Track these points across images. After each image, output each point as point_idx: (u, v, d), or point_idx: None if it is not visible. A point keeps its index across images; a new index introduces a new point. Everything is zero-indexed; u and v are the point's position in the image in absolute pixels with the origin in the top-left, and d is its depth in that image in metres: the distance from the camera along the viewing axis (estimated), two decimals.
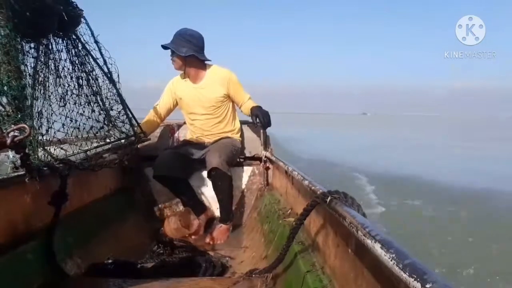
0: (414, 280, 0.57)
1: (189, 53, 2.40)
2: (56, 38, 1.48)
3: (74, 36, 1.55)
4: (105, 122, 1.80)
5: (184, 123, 2.76)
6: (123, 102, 1.89)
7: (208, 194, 2.66)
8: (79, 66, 1.61)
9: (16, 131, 1.06)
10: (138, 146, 2.10)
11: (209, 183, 2.65)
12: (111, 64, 1.76)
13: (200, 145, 2.56)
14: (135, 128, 2.04)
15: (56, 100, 1.51)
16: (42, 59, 1.41)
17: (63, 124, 1.54)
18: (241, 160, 2.79)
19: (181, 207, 2.67)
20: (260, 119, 2.37)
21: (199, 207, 2.55)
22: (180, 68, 2.49)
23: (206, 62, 2.52)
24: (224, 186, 2.39)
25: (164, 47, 2.43)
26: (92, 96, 1.70)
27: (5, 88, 1.08)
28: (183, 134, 2.82)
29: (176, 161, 2.44)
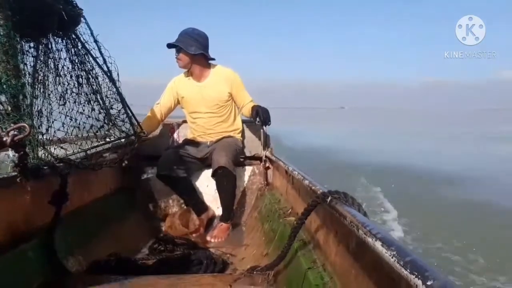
0: (415, 277, 0.58)
1: (198, 51, 2.41)
2: (55, 37, 1.48)
3: (73, 36, 1.54)
4: (105, 121, 1.80)
5: (184, 121, 2.76)
6: (123, 100, 1.89)
7: (209, 192, 2.66)
8: (78, 65, 1.60)
9: (16, 130, 1.06)
10: (138, 145, 2.10)
11: (210, 182, 2.66)
12: (111, 63, 1.76)
13: (202, 144, 2.57)
14: (135, 127, 2.04)
15: (56, 99, 1.51)
16: (42, 58, 1.41)
17: (63, 123, 1.54)
18: (242, 159, 2.79)
19: (180, 206, 2.67)
20: (260, 116, 2.37)
21: (200, 206, 2.56)
22: (186, 66, 2.49)
23: (210, 61, 2.53)
24: (229, 185, 2.41)
25: (172, 45, 2.43)
26: (92, 94, 1.70)
27: (4, 86, 1.08)
28: (183, 133, 2.82)
29: (178, 161, 2.45)
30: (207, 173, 2.66)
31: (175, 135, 2.84)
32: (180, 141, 2.78)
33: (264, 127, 2.63)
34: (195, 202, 2.55)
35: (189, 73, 2.55)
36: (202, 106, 2.53)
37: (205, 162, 2.59)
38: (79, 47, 1.59)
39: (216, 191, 2.65)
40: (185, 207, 2.62)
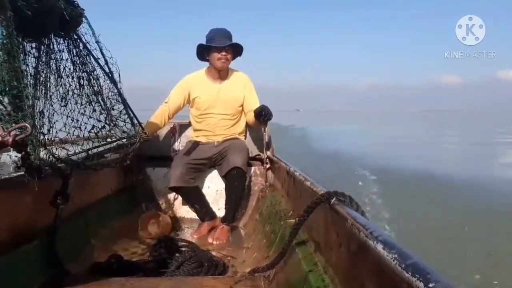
0: (417, 279, 0.57)
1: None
2: (57, 38, 1.48)
3: (75, 36, 1.55)
4: (107, 121, 1.80)
5: (189, 123, 2.75)
6: (124, 101, 1.89)
7: (210, 194, 2.65)
8: (80, 66, 1.61)
9: (18, 130, 1.06)
10: (140, 146, 2.10)
11: (211, 183, 2.66)
12: (112, 64, 1.76)
13: (209, 144, 2.56)
14: (137, 128, 2.04)
15: (58, 100, 1.51)
16: (44, 59, 1.41)
17: (65, 124, 1.54)
18: None
19: (181, 208, 2.67)
20: (264, 110, 2.40)
21: (210, 214, 2.55)
22: (226, 67, 2.51)
23: None
24: (240, 186, 2.42)
25: (237, 44, 2.46)
26: (93, 95, 1.70)
27: (6, 88, 1.08)
28: (185, 134, 2.82)
29: (187, 171, 2.45)
30: (209, 174, 2.66)
31: (177, 136, 2.84)
32: (182, 142, 2.78)
33: (265, 127, 2.62)
34: (206, 211, 2.55)
35: (209, 73, 2.55)
36: (217, 107, 2.52)
37: (212, 162, 2.58)
38: (81, 48, 1.59)
39: (217, 192, 2.64)
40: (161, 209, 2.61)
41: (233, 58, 2.53)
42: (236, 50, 2.50)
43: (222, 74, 2.54)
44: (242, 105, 2.57)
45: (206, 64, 2.59)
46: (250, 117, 2.55)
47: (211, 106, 2.53)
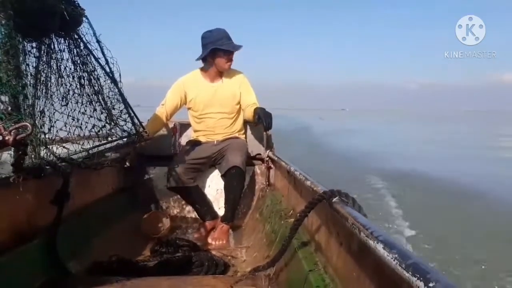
0: (417, 279, 0.57)
1: None
2: (58, 37, 1.48)
3: (76, 36, 1.54)
4: (107, 120, 1.80)
5: (188, 124, 2.75)
6: (124, 101, 1.89)
7: (211, 193, 2.65)
8: (80, 66, 1.60)
9: (19, 129, 1.05)
10: (140, 145, 2.10)
11: (211, 182, 2.66)
12: (113, 64, 1.75)
13: (209, 143, 2.56)
14: (137, 127, 2.04)
15: (58, 99, 1.51)
16: (44, 59, 1.41)
17: (65, 123, 1.54)
18: None
19: (182, 207, 2.67)
20: (262, 120, 2.35)
21: (211, 214, 2.55)
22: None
23: None
24: (239, 186, 2.42)
25: (238, 47, 2.47)
26: (93, 95, 1.70)
27: (5, 87, 1.08)
28: (186, 133, 2.81)
29: (185, 171, 2.44)
30: (209, 173, 2.66)
31: (178, 135, 2.84)
32: (183, 142, 2.78)
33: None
34: (207, 210, 2.55)
35: (206, 74, 2.54)
36: (214, 106, 2.52)
37: (211, 161, 2.58)
38: (81, 48, 1.58)
39: (217, 191, 2.64)
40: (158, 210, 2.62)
41: None
42: None
43: (218, 73, 2.53)
44: (239, 103, 2.56)
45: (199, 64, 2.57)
46: (248, 114, 2.52)
47: (209, 106, 2.53)
